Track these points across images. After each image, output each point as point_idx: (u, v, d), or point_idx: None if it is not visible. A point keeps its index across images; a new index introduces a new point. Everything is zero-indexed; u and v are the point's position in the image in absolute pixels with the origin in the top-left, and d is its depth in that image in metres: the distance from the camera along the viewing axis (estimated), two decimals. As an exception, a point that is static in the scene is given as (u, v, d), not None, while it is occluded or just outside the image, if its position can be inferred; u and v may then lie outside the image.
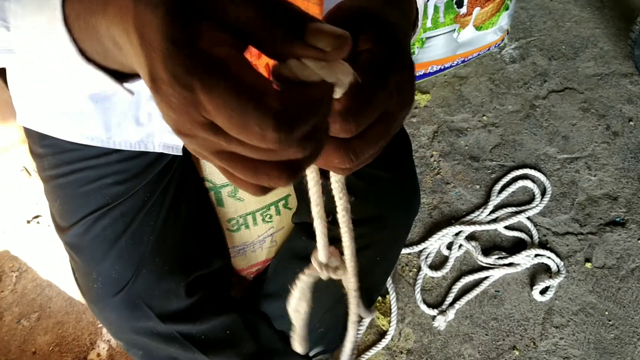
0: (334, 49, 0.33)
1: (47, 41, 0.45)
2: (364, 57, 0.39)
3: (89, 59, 0.43)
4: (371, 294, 1.14)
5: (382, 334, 1.42)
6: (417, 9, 0.53)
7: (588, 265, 1.50)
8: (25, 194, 1.56)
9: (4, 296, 1.51)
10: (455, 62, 1.80)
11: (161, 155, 0.86)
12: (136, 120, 0.82)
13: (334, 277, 0.56)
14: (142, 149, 0.84)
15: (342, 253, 0.58)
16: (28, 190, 1.55)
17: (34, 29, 0.46)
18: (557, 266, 1.49)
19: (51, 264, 1.55)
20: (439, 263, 1.54)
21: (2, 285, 1.52)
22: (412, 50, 1.57)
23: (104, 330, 1.44)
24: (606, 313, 1.43)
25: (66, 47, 0.43)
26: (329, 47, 0.33)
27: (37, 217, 1.62)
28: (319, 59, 0.33)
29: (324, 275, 0.56)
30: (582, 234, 1.55)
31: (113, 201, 0.83)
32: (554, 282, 1.46)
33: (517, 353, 1.39)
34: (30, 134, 0.86)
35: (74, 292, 1.51)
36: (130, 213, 0.84)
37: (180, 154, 0.86)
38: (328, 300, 1.01)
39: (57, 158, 0.83)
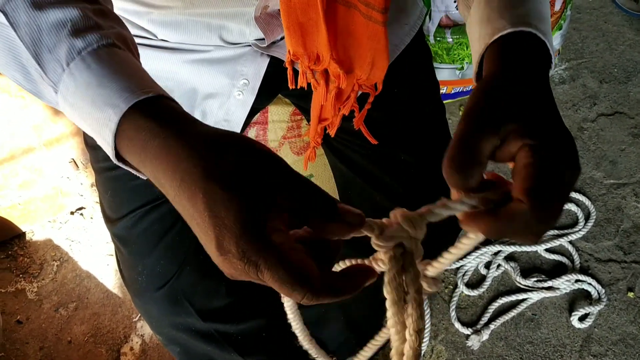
0: (359, 221, 0.44)
1: (90, 128, 0.48)
2: (524, 153, 0.44)
3: (119, 157, 0.49)
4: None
5: (414, 349, 1.40)
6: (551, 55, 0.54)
7: (630, 294, 1.46)
8: (72, 186, 1.59)
9: (45, 284, 1.54)
10: (503, 80, 1.78)
11: (211, 154, 0.87)
12: (190, 119, 0.83)
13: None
14: (194, 148, 0.84)
15: None
16: (74, 182, 1.59)
17: (81, 112, 0.48)
18: (598, 293, 1.45)
19: (92, 256, 1.58)
20: (475, 282, 1.51)
21: (43, 274, 1.56)
22: (461, 65, 1.56)
23: (139, 325, 1.46)
24: (647, 345, 1.39)
25: (105, 145, 0.47)
26: (354, 221, 0.43)
27: (81, 209, 1.66)
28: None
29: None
30: (625, 262, 1.51)
31: (162, 197, 0.83)
32: (594, 310, 1.42)
33: (552, 379, 1.36)
34: (86, 126, 0.88)
35: (112, 284, 1.53)
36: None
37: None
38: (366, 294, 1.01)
39: (111, 151, 0.85)
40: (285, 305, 0.60)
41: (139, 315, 1.47)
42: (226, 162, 0.41)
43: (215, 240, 0.41)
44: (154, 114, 0.45)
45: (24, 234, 1.62)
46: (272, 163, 0.43)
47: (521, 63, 0.49)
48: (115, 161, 0.48)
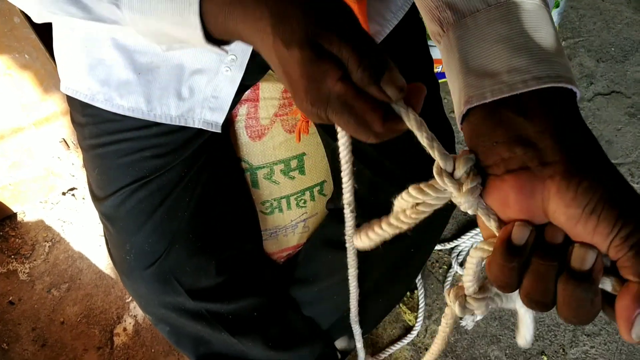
0: (394, 98, 0.44)
1: (170, 24, 0.50)
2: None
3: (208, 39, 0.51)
4: (401, 289, 1.12)
5: (408, 330, 1.40)
6: None
7: (625, 274, 1.46)
8: (63, 166, 1.57)
9: (37, 265, 1.53)
10: (500, 59, 1.76)
11: (200, 131, 0.86)
12: (178, 95, 0.81)
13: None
14: (182, 124, 0.83)
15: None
16: (65, 162, 1.57)
17: (156, 12, 0.50)
18: (593, 273, 1.45)
19: (84, 236, 1.57)
20: (470, 262, 1.51)
21: (35, 254, 1.55)
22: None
23: (132, 305, 1.46)
24: (641, 324, 1.39)
25: (192, 32, 0.50)
26: (392, 97, 0.44)
27: (72, 189, 1.64)
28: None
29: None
30: (620, 242, 1.51)
31: (150, 174, 0.83)
32: (588, 289, 1.42)
33: (545, 359, 1.36)
34: (73, 103, 0.86)
35: (104, 265, 1.52)
36: (167, 187, 0.84)
37: (219, 131, 0.85)
38: (362, 285, 1.01)
39: (98, 127, 0.83)
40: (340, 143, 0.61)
41: (132, 296, 1.46)
42: (289, 18, 0.44)
43: (292, 92, 0.46)
44: None
45: (15, 214, 1.61)
46: (332, 12, 0.45)
47: (588, 136, 0.43)
48: (204, 42, 0.50)
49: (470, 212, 0.45)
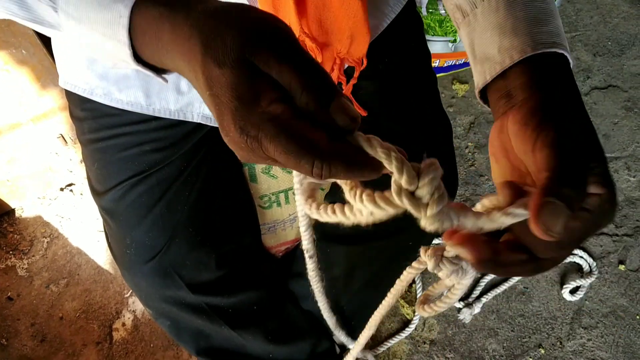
0: (346, 128, 0.40)
1: (101, 35, 0.47)
2: (595, 202, 0.42)
3: (138, 59, 0.47)
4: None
5: (406, 323, 1.41)
6: None
7: (621, 267, 1.47)
8: (61, 162, 1.57)
9: (35, 261, 1.53)
10: (497, 53, 1.76)
11: (199, 125, 0.86)
12: (177, 89, 0.81)
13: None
14: (181, 118, 0.83)
15: None
16: (63, 158, 1.57)
17: (89, 21, 0.47)
18: (590, 266, 1.45)
19: (82, 232, 1.57)
20: (468, 255, 1.51)
21: (33, 250, 1.55)
22: (454, 38, 1.54)
23: (130, 301, 1.46)
24: (637, 317, 1.40)
25: (121, 48, 0.46)
26: (344, 126, 0.39)
27: (70, 185, 1.64)
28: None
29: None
30: (617, 235, 1.52)
31: (150, 168, 0.83)
32: (585, 282, 1.42)
33: (542, 351, 1.37)
34: (71, 97, 0.86)
35: (103, 261, 1.53)
36: (167, 181, 0.84)
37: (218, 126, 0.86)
38: (359, 279, 1.01)
39: (97, 122, 0.83)
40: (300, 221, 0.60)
41: (131, 291, 1.47)
42: (222, 36, 0.39)
43: (218, 121, 0.40)
44: (163, 0, 0.44)
45: (13, 210, 1.61)
46: (269, 32, 0.40)
47: (575, 101, 0.48)
48: (133, 63, 0.47)
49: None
